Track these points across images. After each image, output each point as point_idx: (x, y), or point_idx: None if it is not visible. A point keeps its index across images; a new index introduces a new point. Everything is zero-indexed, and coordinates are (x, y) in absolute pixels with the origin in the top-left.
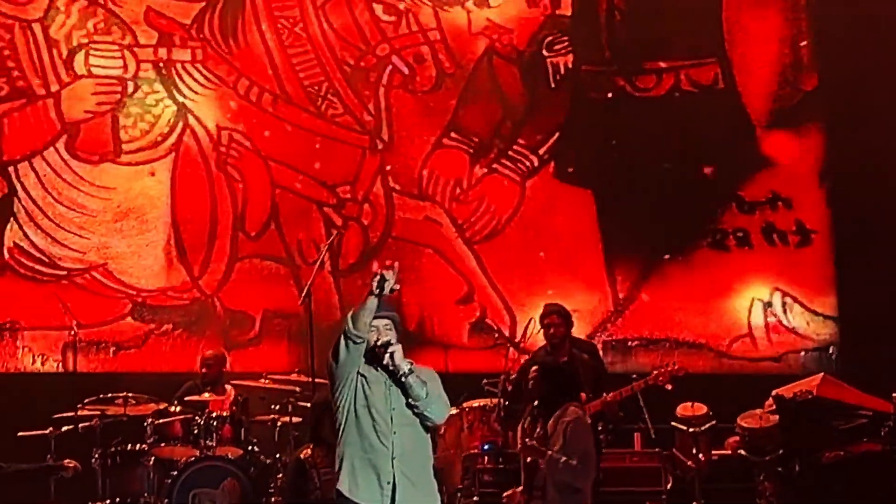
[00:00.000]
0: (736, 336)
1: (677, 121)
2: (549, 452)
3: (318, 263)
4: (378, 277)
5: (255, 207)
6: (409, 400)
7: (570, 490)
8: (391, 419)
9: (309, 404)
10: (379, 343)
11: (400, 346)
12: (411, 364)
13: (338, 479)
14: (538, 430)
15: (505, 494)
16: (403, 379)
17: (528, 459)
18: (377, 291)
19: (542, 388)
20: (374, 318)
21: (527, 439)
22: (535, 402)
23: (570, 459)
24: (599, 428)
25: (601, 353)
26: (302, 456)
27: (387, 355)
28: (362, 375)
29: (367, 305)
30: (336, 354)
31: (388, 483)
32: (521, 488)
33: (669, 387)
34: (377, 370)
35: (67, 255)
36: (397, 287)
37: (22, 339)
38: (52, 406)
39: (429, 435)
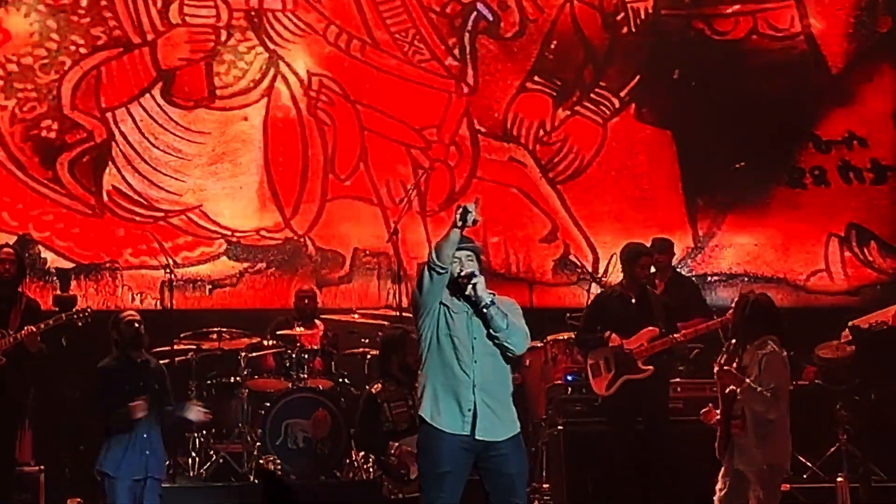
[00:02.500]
0: (813, 271)
1: (755, 63)
2: (747, 381)
3: (404, 202)
4: (461, 210)
5: (344, 150)
6: (490, 331)
7: (764, 421)
8: (473, 348)
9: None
10: (462, 274)
11: (482, 277)
12: (493, 295)
13: (419, 405)
14: (735, 360)
15: (702, 411)
16: (485, 310)
17: (726, 387)
18: (460, 224)
19: (740, 319)
20: (457, 249)
21: (724, 365)
22: (735, 334)
23: (764, 390)
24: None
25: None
26: (373, 391)
27: (469, 286)
28: (445, 305)
29: (450, 238)
30: (420, 285)
31: (469, 410)
32: (718, 411)
33: None
34: (460, 300)
35: (164, 197)
36: (479, 219)
37: (121, 278)
38: (151, 341)
39: (509, 365)
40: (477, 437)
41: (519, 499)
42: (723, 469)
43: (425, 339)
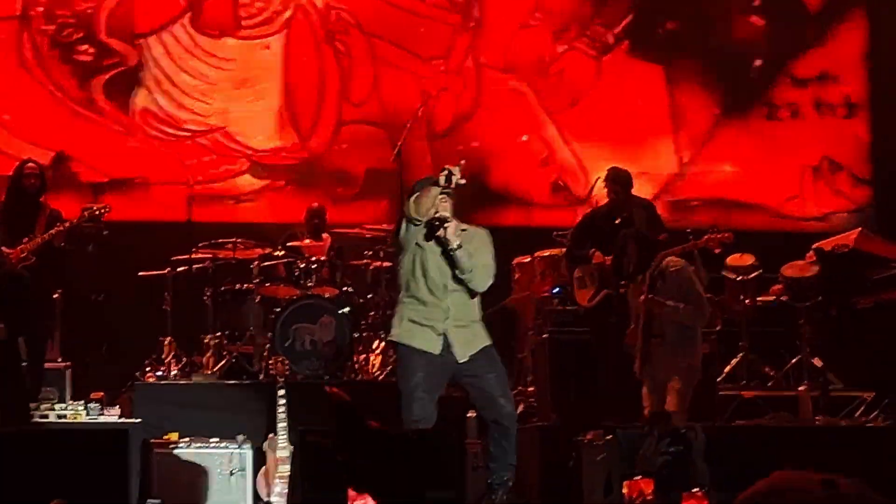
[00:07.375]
0: (787, 198)
1: (739, 3)
2: (669, 302)
3: (408, 126)
4: (446, 173)
5: (358, 78)
6: (456, 272)
7: (685, 329)
8: (445, 286)
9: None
10: (436, 216)
11: (454, 221)
12: (465, 231)
13: (389, 333)
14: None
15: (630, 331)
16: (452, 253)
17: (652, 313)
18: (444, 184)
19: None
20: None
21: (650, 294)
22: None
23: (687, 305)
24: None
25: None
26: None
27: (441, 229)
28: (420, 246)
29: (430, 195)
30: (397, 232)
31: (440, 335)
32: (639, 330)
33: (718, 251)
34: (432, 242)
35: (191, 118)
36: (463, 182)
37: (150, 192)
38: (175, 251)
39: (477, 296)
40: (449, 357)
41: (502, 396)
42: (645, 388)
43: (402, 276)
